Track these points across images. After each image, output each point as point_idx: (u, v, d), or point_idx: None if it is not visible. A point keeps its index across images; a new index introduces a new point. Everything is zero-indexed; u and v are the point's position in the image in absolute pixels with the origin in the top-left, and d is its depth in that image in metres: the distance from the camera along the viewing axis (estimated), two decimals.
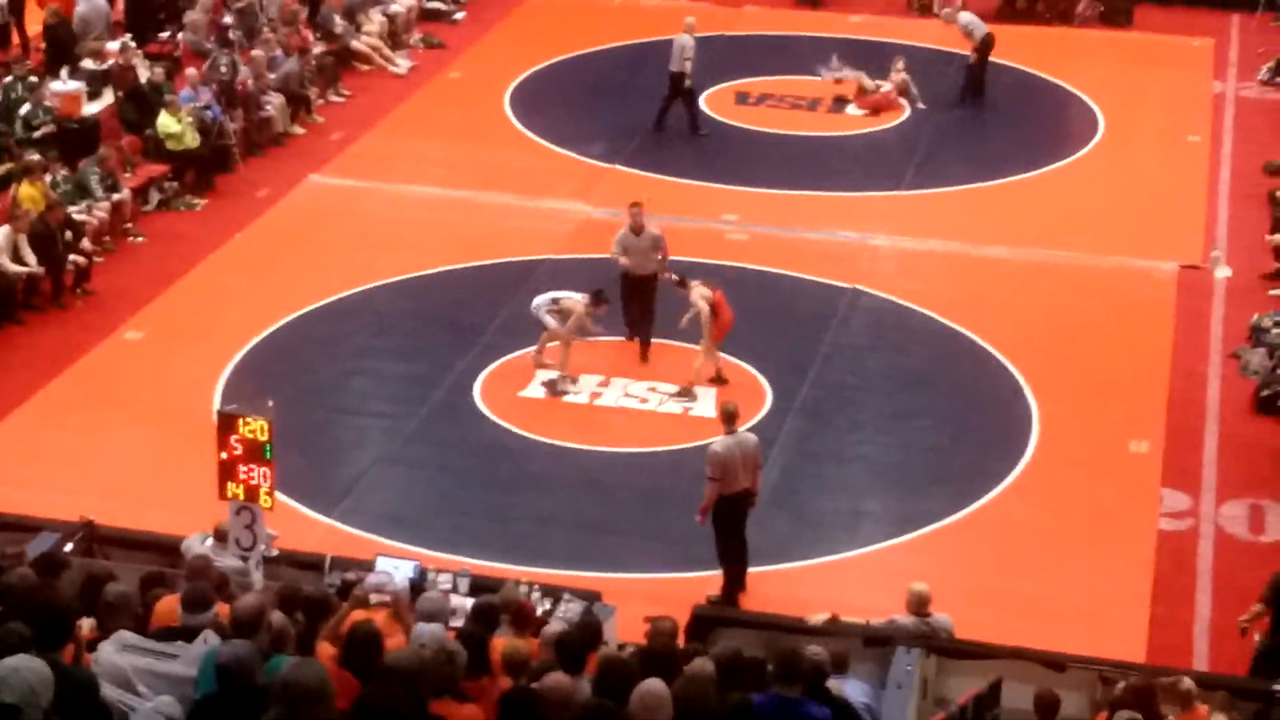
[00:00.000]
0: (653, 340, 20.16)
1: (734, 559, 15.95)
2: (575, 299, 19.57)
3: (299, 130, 26.46)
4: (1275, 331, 20.15)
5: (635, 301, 20.26)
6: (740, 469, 15.66)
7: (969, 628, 14.17)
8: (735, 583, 15.96)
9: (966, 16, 28.43)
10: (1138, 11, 31.95)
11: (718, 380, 19.47)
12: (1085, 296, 21.91)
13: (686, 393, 19.35)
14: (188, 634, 9.10)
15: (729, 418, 15.96)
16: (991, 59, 28.69)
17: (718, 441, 15.77)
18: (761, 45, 29.53)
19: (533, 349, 19.80)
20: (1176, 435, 18.74)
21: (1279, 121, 26.95)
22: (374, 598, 11.65)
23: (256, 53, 26.34)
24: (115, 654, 8.53)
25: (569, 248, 22.83)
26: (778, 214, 23.96)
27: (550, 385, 19.40)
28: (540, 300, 19.75)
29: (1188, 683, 12.63)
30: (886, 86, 27.82)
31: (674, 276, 20.02)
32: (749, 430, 16.77)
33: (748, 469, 15.74)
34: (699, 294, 19.45)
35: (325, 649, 10.00)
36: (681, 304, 19.62)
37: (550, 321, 19.55)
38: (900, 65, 27.95)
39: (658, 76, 28.61)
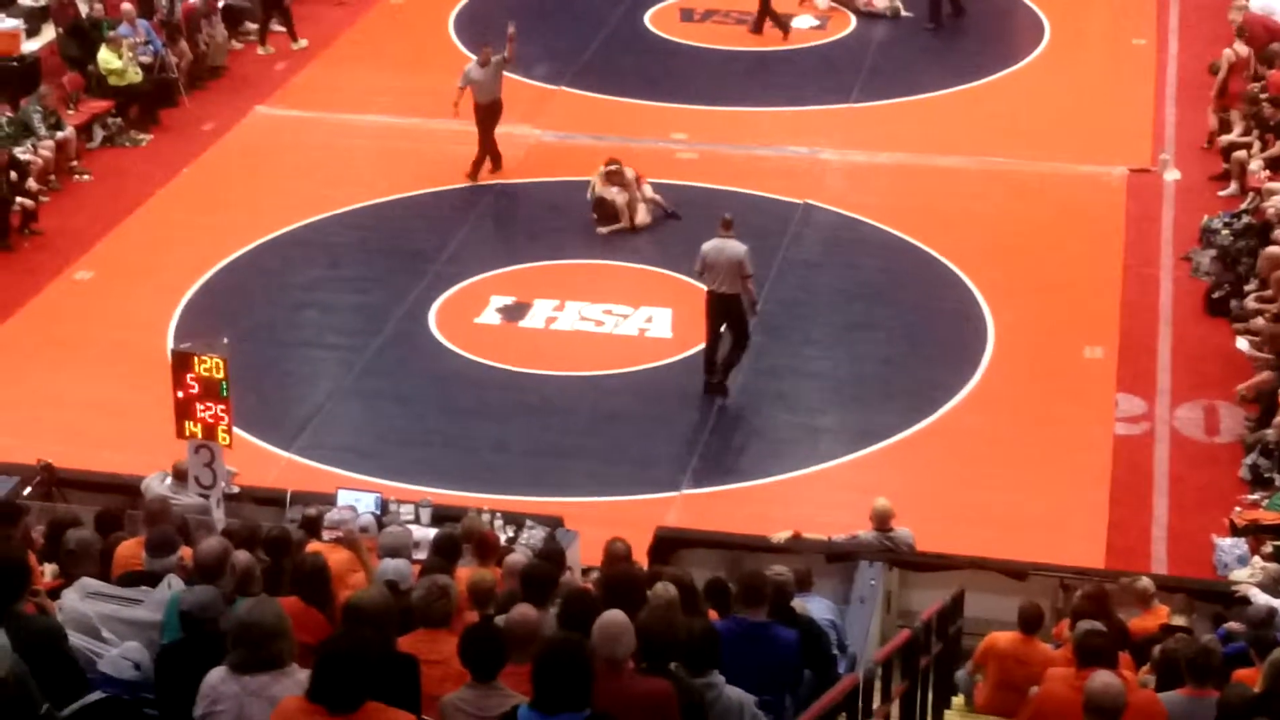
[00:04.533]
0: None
1: (712, 354, 17.56)
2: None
3: (237, 45, 26.46)
4: (1225, 233, 20.21)
5: (487, 127, 22.20)
6: (723, 272, 17.20)
7: (929, 540, 14.28)
8: (719, 377, 17.54)
9: None
10: None
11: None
12: (1036, 204, 21.95)
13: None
14: (152, 579, 9.10)
15: (726, 224, 17.56)
16: None
17: (708, 242, 17.50)
18: None
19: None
20: (1130, 340, 18.85)
21: (1222, 22, 26.86)
22: (327, 534, 11.67)
23: None
24: (79, 601, 8.51)
25: (518, 172, 22.73)
26: (726, 131, 23.89)
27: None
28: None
29: (1145, 581, 12.78)
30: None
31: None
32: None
33: (730, 274, 17.18)
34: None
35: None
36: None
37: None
38: None
39: None
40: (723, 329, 17.66)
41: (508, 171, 22.68)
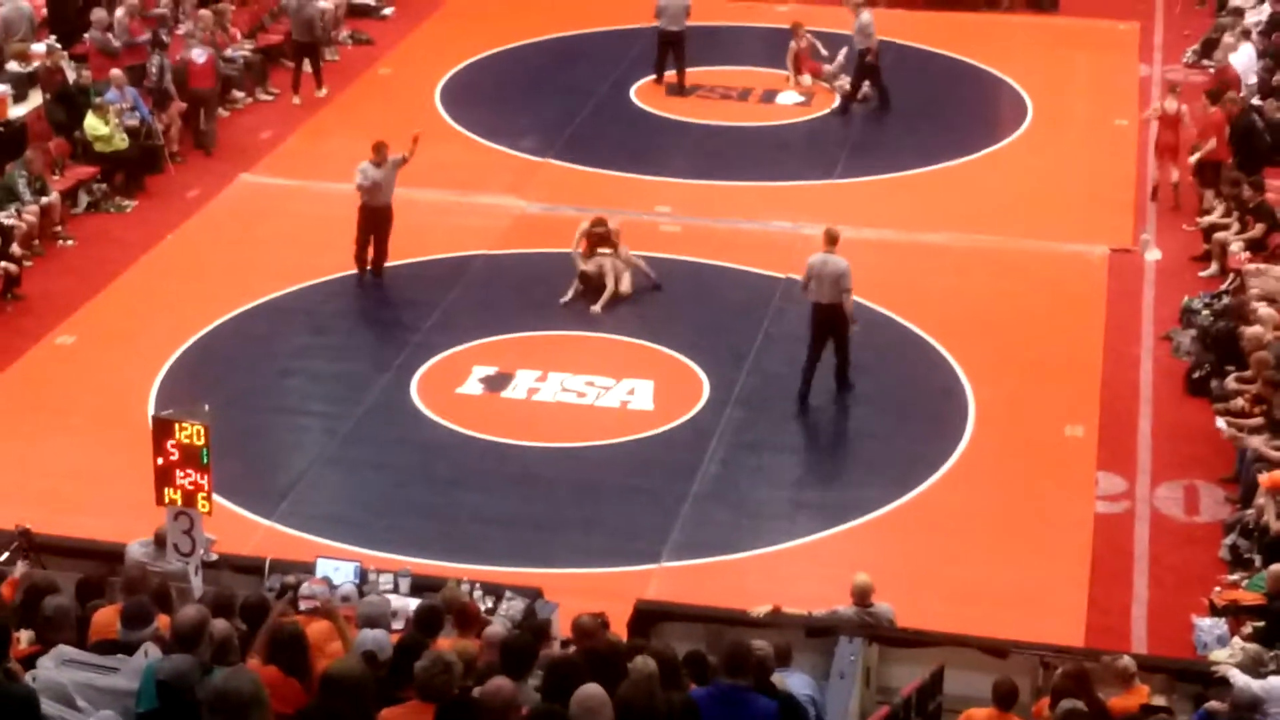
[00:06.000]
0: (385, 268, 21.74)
1: (811, 367, 18.96)
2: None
3: (224, 113, 26.71)
4: (1205, 313, 20.31)
5: (374, 231, 21.44)
6: (826, 284, 18.58)
7: (910, 616, 14.23)
8: (839, 387, 19.06)
9: (867, 16, 27.13)
10: None
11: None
12: (1018, 281, 22.04)
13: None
14: (128, 647, 9.05)
15: (830, 239, 18.85)
16: (920, 45, 28.93)
17: (814, 255, 18.90)
18: (691, 36, 29.47)
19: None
20: (1111, 418, 18.88)
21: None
22: (303, 604, 11.61)
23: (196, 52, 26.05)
24: (54, 669, 8.47)
25: (503, 243, 22.80)
26: (710, 205, 24.00)
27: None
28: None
29: (1126, 660, 12.74)
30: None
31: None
32: (691, 419, 17.98)
33: (829, 286, 18.56)
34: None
35: (255, 664, 9.96)
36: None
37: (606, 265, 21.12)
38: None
39: (587, 68, 28.72)
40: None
41: (492, 242, 22.74)
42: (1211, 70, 28.02)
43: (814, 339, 19.00)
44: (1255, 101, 24.66)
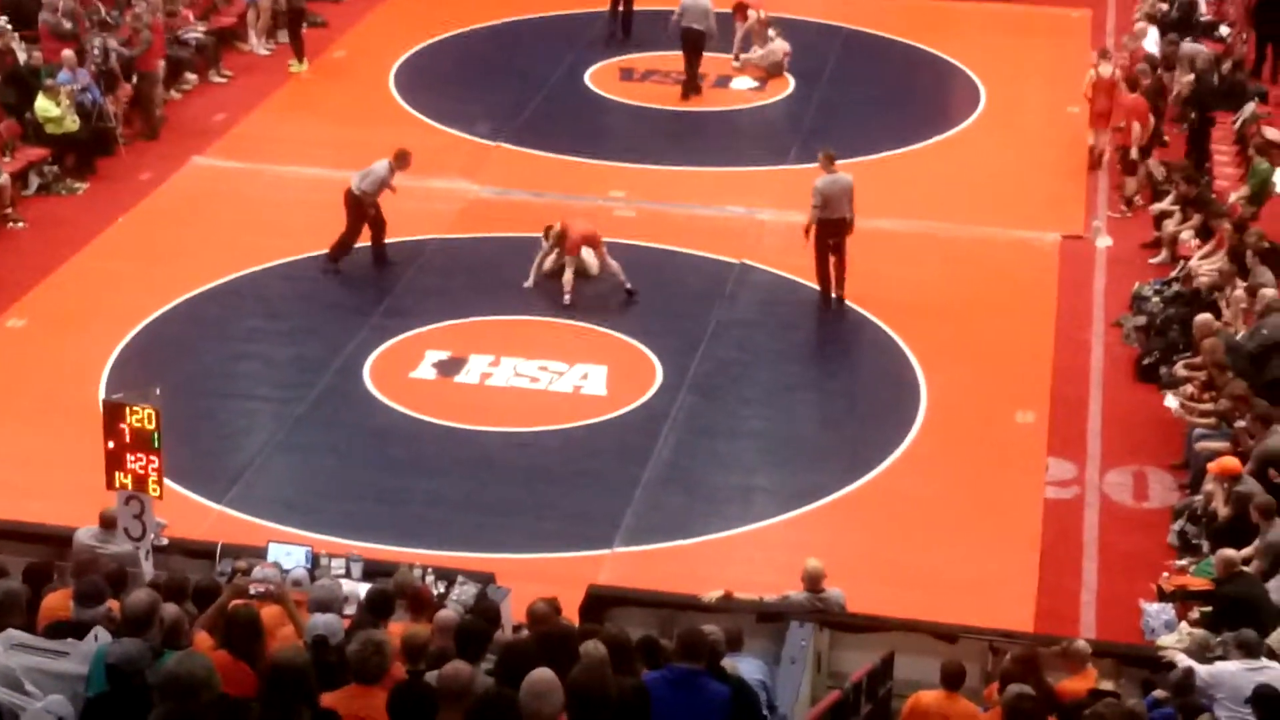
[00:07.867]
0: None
1: (826, 276, 20.58)
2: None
3: (175, 95, 26.57)
4: (1156, 300, 20.44)
5: (370, 223, 21.40)
6: (839, 201, 20.34)
7: (861, 601, 14.29)
8: (834, 289, 20.56)
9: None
10: None
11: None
12: (970, 268, 22.12)
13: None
14: (78, 630, 9.03)
15: (830, 158, 20.62)
16: (874, 31, 29.00)
17: (820, 178, 20.41)
18: (645, 21, 29.48)
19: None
20: (1061, 404, 18.98)
21: None
22: (254, 588, 11.60)
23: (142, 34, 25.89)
24: (3, 654, 8.44)
25: (456, 227, 22.76)
26: (664, 190, 24.01)
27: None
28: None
29: (1081, 643, 12.82)
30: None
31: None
32: (643, 404, 17.95)
33: (844, 201, 20.38)
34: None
35: (204, 639, 9.96)
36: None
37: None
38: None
39: (541, 52, 28.69)
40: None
41: (445, 226, 22.70)
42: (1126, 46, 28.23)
43: (819, 254, 20.53)
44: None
